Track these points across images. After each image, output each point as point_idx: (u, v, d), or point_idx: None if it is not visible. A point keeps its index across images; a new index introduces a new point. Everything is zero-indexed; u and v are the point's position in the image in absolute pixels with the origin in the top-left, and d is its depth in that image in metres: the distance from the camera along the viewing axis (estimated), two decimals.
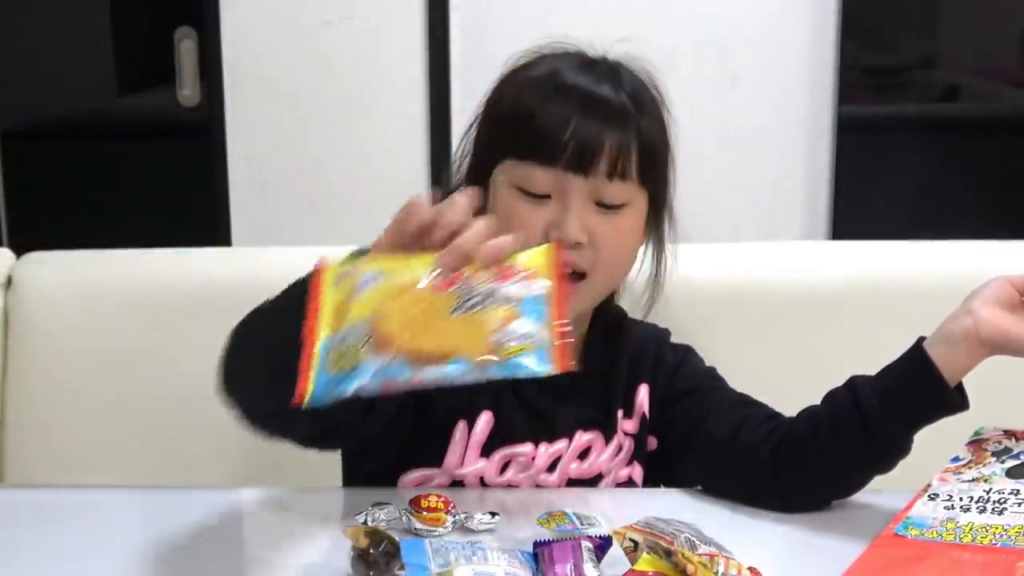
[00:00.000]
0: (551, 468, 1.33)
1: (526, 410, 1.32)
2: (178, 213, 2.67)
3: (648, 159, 1.28)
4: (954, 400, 1.17)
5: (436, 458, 1.31)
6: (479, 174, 1.31)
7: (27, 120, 2.72)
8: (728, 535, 1.18)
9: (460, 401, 1.30)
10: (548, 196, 1.25)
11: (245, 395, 1.11)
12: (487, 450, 1.31)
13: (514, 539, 1.14)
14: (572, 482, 1.33)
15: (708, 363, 1.43)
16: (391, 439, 1.29)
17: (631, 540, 1.05)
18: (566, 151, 1.23)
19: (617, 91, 1.27)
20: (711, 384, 1.38)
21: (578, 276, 1.26)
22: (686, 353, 1.42)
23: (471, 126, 1.35)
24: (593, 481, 1.34)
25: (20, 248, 1.75)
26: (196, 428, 1.65)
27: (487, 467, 1.31)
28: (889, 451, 1.20)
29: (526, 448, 1.32)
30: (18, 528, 1.24)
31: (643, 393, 1.37)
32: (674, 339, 1.44)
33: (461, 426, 1.31)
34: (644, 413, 1.37)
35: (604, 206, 1.26)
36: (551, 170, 1.24)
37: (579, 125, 1.23)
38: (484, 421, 1.31)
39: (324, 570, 1.11)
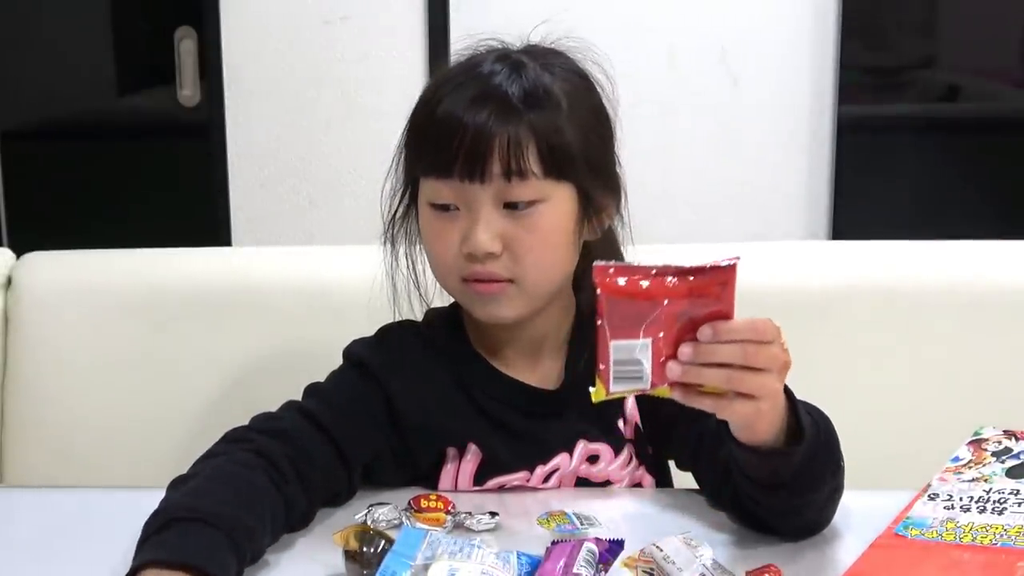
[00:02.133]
0: (549, 478, 1.31)
1: (511, 439, 1.30)
2: (178, 213, 2.67)
3: (551, 152, 1.21)
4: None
5: (432, 486, 1.30)
6: (413, 190, 1.29)
7: (27, 120, 2.72)
8: (729, 535, 1.18)
9: (445, 436, 1.29)
10: (458, 208, 1.22)
11: None
12: (479, 480, 1.30)
13: (514, 539, 1.14)
14: (581, 483, 1.32)
15: None
16: (382, 473, 1.29)
17: (644, 574, 1.05)
18: (458, 160, 1.19)
19: (510, 85, 1.21)
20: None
21: (506, 281, 1.23)
22: None
23: (402, 143, 1.31)
24: (601, 487, 1.32)
25: (20, 248, 1.75)
26: (195, 428, 1.65)
27: (482, 492, 1.30)
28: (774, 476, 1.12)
29: (519, 475, 1.30)
30: (18, 528, 1.24)
31: (630, 404, 1.34)
32: None
33: (451, 454, 1.30)
34: (637, 423, 1.34)
35: (513, 206, 1.21)
36: (450, 182, 1.21)
37: (466, 129, 1.19)
38: (472, 453, 1.29)
39: (321, 570, 1.11)
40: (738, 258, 1.00)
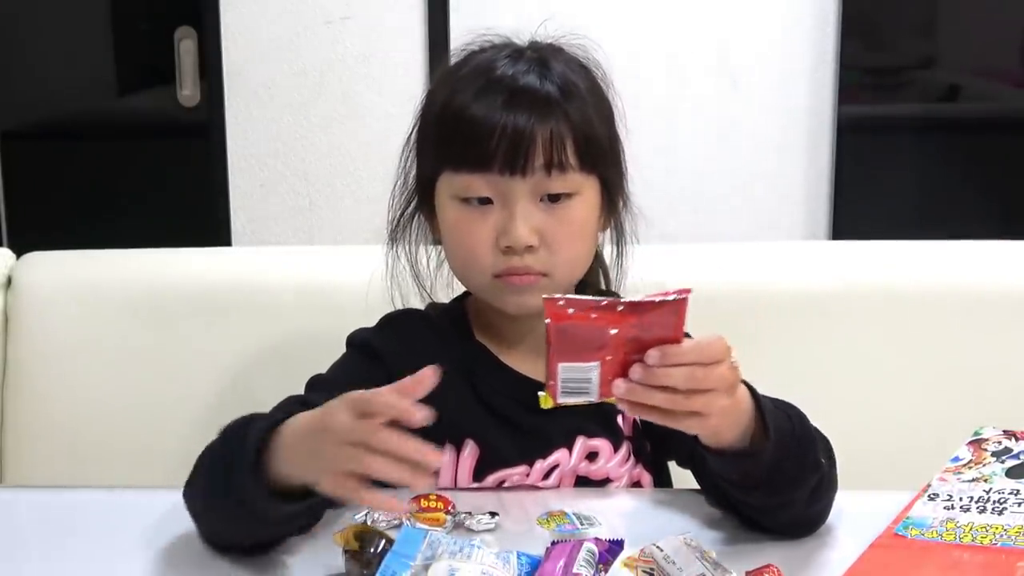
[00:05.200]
0: (549, 474, 1.31)
1: (513, 433, 1.30)
2: (178, 213, 2.67)
3: (586, 145, 1.24)
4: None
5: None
6: (425, 187, 1.30)
7: (27, 120, 2.72)
8: (729, 535, 1.18)
9: (446, 426, 1.29)
10: (491, 201, 1.23)
11: (206, 528, 1.15)
12: (478, 475, 1.30)
13: (514, 539, 1.14)
14: (580, 482, 1.32)
15: None
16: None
17: (644, 574, 1.04)
18: (498, 155, 1.20)
19: (543, 81, 1.23)
20: None
21: (540, 275, 1.24)
22: None
23: (411, 135, 1.31)
24: (600, 484, 1.32)
25: (20, 248, 1.75)
26: (195, 427, 1.65)
27: (482, 492, 1.29)
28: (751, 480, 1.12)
29: (519, 469, 1.30)
30: (18, 528, 1.24)
31: None
32: None
33: (448, 450, 1.29)
34: (635, 419, 1.34)
35: (549, 199, 1.23)
36: (487, 176, 1.21)
37: (506, 125, 1.20)
38: (470, 449, 1.29)
39: (320, 570, 1.11)
40: (689, 291, 0.99)
